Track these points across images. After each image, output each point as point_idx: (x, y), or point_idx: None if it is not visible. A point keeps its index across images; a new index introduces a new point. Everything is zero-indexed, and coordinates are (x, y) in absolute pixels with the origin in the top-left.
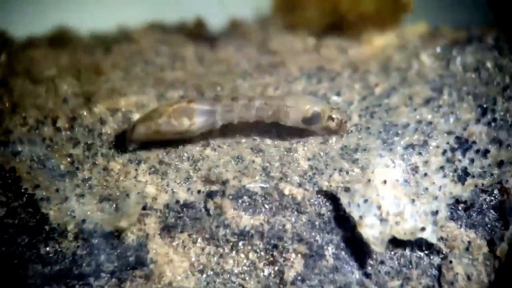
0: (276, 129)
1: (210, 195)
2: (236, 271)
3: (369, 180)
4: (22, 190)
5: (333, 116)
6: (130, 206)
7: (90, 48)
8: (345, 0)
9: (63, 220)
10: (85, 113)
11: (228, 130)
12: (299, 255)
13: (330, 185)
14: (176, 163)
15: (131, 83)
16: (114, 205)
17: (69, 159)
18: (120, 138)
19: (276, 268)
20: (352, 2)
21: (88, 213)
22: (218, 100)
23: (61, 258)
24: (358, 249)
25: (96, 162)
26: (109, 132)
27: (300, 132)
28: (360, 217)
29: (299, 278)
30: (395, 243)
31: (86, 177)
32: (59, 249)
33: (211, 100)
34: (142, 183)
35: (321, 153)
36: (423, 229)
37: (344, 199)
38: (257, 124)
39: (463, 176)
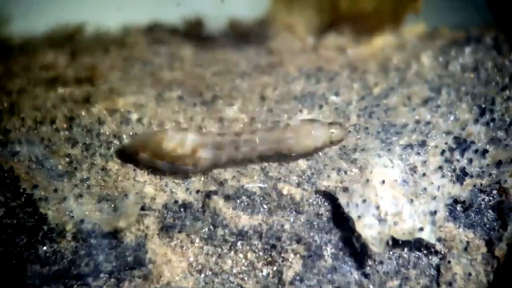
0: None
1: (208, 195)
2: (234, 271)
3: (368, 180)
4: (21, 190)
5: (335, 140)
6: (128, 206)
7: (89, 48)
8: None
9: (61, 220)
10: (83, 113)
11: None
12: (298, 255)
13: (329, 185)
14: None
15: (129, 83)
16: (113, 205)
17: (67, 159)
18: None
19: (275, 268)
20: (351, 0)
21: (87, 213)
22: (221, 146)
23: (60, 258)
24: (356, 249)
25: (95, 162)
26: (107, 133)
27: None
28: (359, 217)
29: (297, 278)
30: (393, 243)
31: (85, 177)
32: (57, 249)
33: (214, 145)
34: (141, 183)
35: (320, 153)
36: (421, 229)
37: (342, 199)
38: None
39: (461, 176)
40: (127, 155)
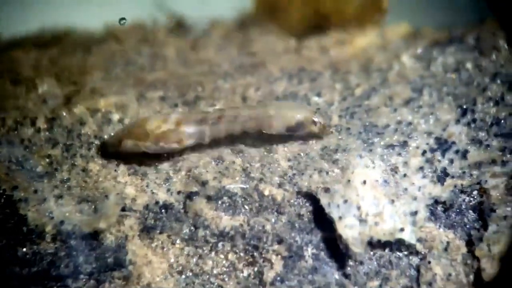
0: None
1: (189, 196)
2: (215, 272)
3: (349, 181)
4: (0, 191)
5: (316, 120)
6: (109, 207)
7: (70, 48)
8: (327, 1)
9: (41, 221)
10: (64, 114)
11: (214, 141)
12: (279, 256)
13: (310, 186)
14: (156, 163)
15: (111, 84)
16: (93, 206)
17: (47, 160)
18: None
19: (256, 269)
20: (334, 3)
21: (67, 214)
22: (204, 119)
23: (39, 260)
24: (337, 249)
25: (75, 163)
26: (88, 133)
27: (283, 136)
28: (340, 217)
29: (278, 279)
30: (374, 243)
31: (65, 178)
32: (37, 251)
33: (198, 120)
34: (122, 184)
35: (301, 154)
36: (402, 229)
37: (324, 200)
38: (242, 134)
39: (442, 176)
40: (110, 148)
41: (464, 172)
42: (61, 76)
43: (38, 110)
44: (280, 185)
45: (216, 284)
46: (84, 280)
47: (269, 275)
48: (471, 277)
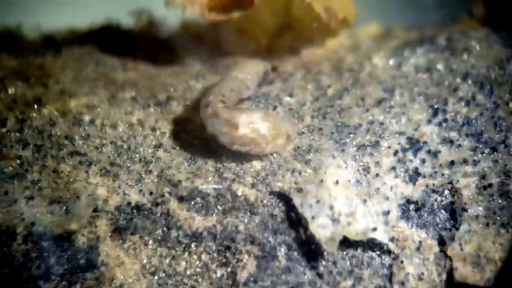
0: None
1: (162, 196)
2: (188, 273)
3: (322, 181)
4: None
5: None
6: (80, 208)
7: (40, 49)
8: (296, 4)
9: (12, 223)
10: (34, 115)
11: None
12: (252, 256)
13: (283, 186)
14: (128, 164)
15: (81, 84)
16: (64, 208)
17: (18, 161)
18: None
19: (229, 269)
20: (302, 7)
21: (38, 215)
22: None
23: (10, 261)
24: (310, 249)
25: (46, 164)
26: (59, 134)
27: None
28: (313, 217)
29: (251, 279)
30: (347, 243)
31: (36, 179)
32: (7, 252)
33: None
34: (93, 185)
35: (274, 154)
36: (374, 229)
37: (296, 200)
38: None
39: (414, 176)
40: None
41: (435, 172)
42: (30, 77)
43: (8, 111)
44: (253, 185)
45: (189, 285)
46: (55, 281)
47: (242, 276)
48: (444, 276)
